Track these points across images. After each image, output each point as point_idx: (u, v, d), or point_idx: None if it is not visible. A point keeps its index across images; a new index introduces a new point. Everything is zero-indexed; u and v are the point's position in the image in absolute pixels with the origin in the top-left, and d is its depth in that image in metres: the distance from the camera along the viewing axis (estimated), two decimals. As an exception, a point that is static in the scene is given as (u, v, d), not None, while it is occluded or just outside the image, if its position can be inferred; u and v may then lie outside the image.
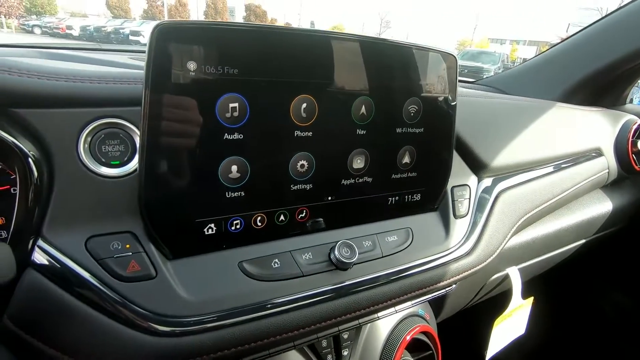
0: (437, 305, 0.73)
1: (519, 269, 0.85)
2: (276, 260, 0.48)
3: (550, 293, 1.21)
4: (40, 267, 0.38)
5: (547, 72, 1.12)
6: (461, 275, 0.60)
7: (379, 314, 0.59)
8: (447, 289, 0.68)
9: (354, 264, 0.51)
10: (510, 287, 0.85)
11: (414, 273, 0.55)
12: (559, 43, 1.16)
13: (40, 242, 0.39)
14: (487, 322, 0.88)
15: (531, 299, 0.89)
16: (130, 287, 0.40)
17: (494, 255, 0.65)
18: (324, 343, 0.57)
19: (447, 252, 0.60)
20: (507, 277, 0.84)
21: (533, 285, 0.99)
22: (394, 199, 0.59)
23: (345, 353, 0.59)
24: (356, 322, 0.57)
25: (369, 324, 0.62)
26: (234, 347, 0.42)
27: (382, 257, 0.54)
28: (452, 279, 0.59)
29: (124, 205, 0.42)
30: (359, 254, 0.51)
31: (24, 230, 0.39)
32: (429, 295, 0.66)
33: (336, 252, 0.49)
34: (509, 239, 0.69)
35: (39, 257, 0.38)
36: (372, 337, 0.62)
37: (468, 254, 0.61)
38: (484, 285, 0.81)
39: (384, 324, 0.63)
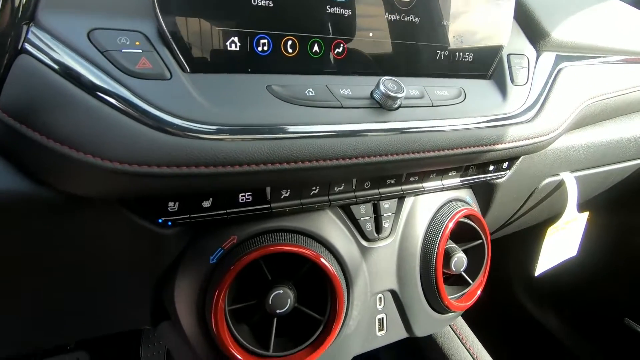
0: (484, 202, 0.64)
1: (575, 177, 0.75)
2: (310, 89, 0.41)
3: (608, 220, 1.09)
4: (34, 54, 0.32)
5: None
6: (521, 143, 0.51)
7: (425, 185, 0.52)
8: (499, 174, 0.60)
9: (400, 107, 0.44)
10: (564, 201, 0.76)
11: (468, 128, 0.47)
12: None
13: (34, 28, 0.33)
14: (536, 242, 0.80)
15: (586, 214, 0.79)
16: (139, 82, 0.33)
17: (557, 131, 0.56)
18: (363, 209, 0.50)
19: (505, 115, 0.51)
20: (561, 184, 0.74)
21: (590, 206, 0.88)
22: (443, 53, 0.50)
23: (386, 225, 0.51)
24: (399, 188, 0.50)
25: (412, 199, 0.54)
26: (253, 163, 0.35)
27: (432, 106, 0.46)
28: (509, 144, 0.50)
29: (134, 2, 0.36)
30: (405, 98, 0.44)
31: (15, 14, 0.33)
32: (479, 177, 0.57)
33: (381, 87, 0.42)
34: (572, 120, 0.60)
35: (33, 43, 0.32)
36: (415, 215, 0.54)
37: (529, 121, 0.52)
38: (535, 190, 0.71)
39: (428, 203, 0.55)
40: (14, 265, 0.38)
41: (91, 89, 0.32)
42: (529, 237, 0.95)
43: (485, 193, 0.63)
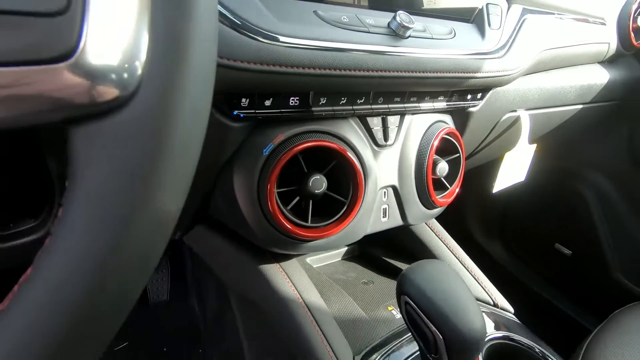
0: (460, 128, 0.80)
1: (529, 115, 0.93)
2: (344, 16, 0.52)
3: (546, 161, 1.32)
4: None
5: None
6: (493, 74, 0.67)
7: (420, 105, 0.66)
8: (474, 103, 0.75)
9: (410, 37, 0.56)
10: (519, 135, 0.94)
11: (457, 58, 0.61)
12: None
13: None
14: (490, 175, 0.99)
15: (535, 145, 0.99)
16: None
17: (520, 68, 0.72)
18: (375, 121, 0.64)
19: (483, 52, 0.65)
20: (517, 120, 0.92)
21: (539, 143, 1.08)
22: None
23: (391, 135, 0.66)
24: (402, 106, 0.64)
25: (410, 117, 0.69)
26: (311, 67, 0.47)
27: (432, 38, 0.59)
28: (485, 74, 0.65)
29: None
30: (413, 30, 0.56)
31: None
32: (460, 103, 0.73)
33: (397, 18, 0.54)
34: (531, 62, 0.76)
35: None
36: (412, 130, 0.69)
37: (500, 58, 0.67)
38: (498, 122, 0.89)
39: (422, 121, 0.70)
40: None
41: None
42: (483, 176, 1.14)
43: (461, 120, 0.79)
